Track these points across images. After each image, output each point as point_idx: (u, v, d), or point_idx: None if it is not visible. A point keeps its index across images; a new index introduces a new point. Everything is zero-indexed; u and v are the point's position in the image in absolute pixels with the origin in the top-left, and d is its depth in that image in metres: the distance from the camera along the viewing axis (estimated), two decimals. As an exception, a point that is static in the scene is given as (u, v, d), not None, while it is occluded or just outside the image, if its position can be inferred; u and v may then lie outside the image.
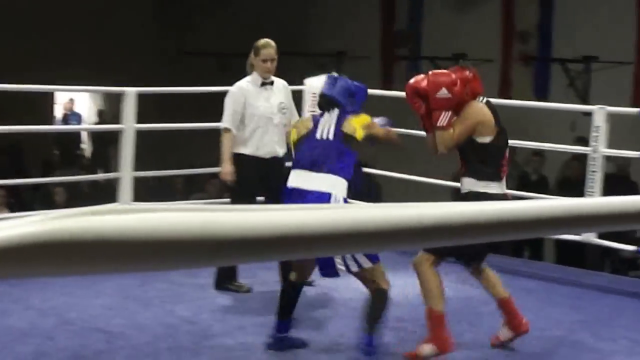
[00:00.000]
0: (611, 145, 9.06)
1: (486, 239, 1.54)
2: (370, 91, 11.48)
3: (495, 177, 6.44)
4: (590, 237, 9.11)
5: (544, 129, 13.44)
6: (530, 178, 14.70)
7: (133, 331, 6.73)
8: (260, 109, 7.95)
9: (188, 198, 13.18)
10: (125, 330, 6.73)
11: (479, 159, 6.45)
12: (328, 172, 6.36)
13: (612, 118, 9.04)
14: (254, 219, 1.19)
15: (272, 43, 8.03)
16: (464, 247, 6.42)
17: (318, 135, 6.54)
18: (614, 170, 12.93)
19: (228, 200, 8.80)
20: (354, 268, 6.35)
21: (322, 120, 6.61)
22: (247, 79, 8.08)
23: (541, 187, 13.15)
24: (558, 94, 16.55)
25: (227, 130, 7.95)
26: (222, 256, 1.18)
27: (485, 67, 17.51)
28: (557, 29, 17.09)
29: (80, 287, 7.63)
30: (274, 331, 6.50)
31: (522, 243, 13.50)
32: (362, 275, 6.42)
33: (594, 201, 1.64)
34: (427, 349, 6.37)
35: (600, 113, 9.02)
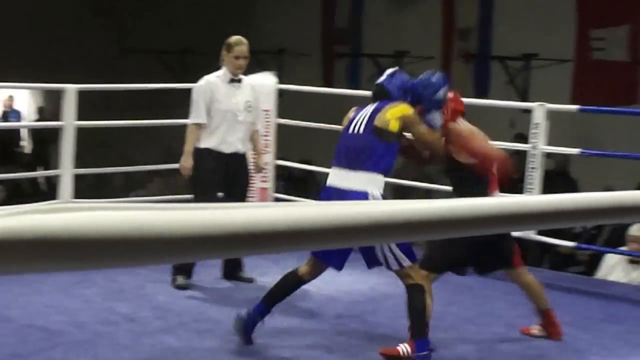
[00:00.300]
0: (550, 142, 9.13)
1: (430, 237, 1.54)
2: (310, 88, 11.61)
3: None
4: (529, 233, 9.18)
5: (484, 125, 13.48)
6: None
7: (73, 329, 6.67)
8: (227, 104, 7.94)
9: (128, 195, 13.12)
10: (64, 328, 6.67)
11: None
12: (362, 169, 6.32)
13: (552, 115, 9.11)
14: (192, 218, 1.18)
15: (245, 40, 8.02)
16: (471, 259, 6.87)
17: (351, 129, 6.49)
18: (553, 167, 13.03)
19: (171, 197, 9.08)
20: (394, 266, 6.34)
21: (361, 112, 6.55)
22: (217, 73, 8.06)
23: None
24: (498, 91, 16.67)
25: (194, 125, 7.96)
26: (162, 254, 1.17)
27: (426, 65, 17.54)
28: (497, 27, 17.19)
29: (20, 284, 7.56)
30: (252, 310, 6.49)
31: (464, 239, 13.57)
32: (402, 273, 6.39)
33: (536, 199, 1.65)
34: (405, 348, 6.38)
35: (539, 110, 9.09)
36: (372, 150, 6.34)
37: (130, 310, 7.19)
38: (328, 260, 6.62)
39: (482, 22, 17.42)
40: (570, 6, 16.00)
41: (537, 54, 16.49)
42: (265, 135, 9.72)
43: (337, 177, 6.43)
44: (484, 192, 6.52)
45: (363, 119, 6.45)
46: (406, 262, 6.29)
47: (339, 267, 6.61)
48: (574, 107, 9.95)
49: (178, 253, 1.20)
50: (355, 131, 6.45)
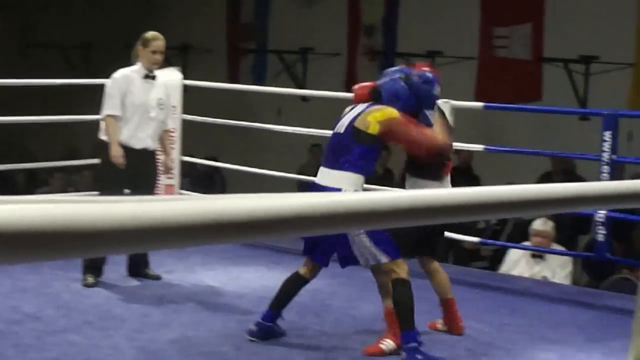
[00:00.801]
0: (455, 138, 9.22)
1: (334, 230, 1.56)
2: (216, 84, 11.60)
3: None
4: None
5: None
6: (377, 172, 14.87)
7: (-24, 328, 6.61)
8: (140, 99, 7.85)
9: (32, 193, 12.99)
10: (-34, 327, 6.62)
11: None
12: (338, 168, 6.40)
13: (457, 112, 9.20)
14: (109, 210, 1.18)
15: (161, 36, 7.98)
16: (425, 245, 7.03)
17: (336, 128, 6.61)
18: (457, 163, 13.16)
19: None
20: (372, 262, 6.47)
21: (349, 112, 6.65)
22: (132, 68, 7.96)
23: (387, 179, 13.33)
24: (403, 88, 16.76)
25: (111, 116, 7.79)
26: (78, 248, 1.17)
27: (332, 61, 17.68)
28: (402, 24, 17.29)
29: None
30: (261, 319, 6.65)
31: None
32: (379, 269, 6.52)
33: (444, 192, 1.67)
34: (388, 343, 6.55)
35: (445, 107, 9.17)
36: (348, 151, 6.42)
37: (35, 309, 7.12)
38: (313, 258, 6.78)
39: (387, 19, 17.50)
40: (475, 4, 16.14)
41: (441, 51, 16.61)
42: (173, 132, 9.70)
43: (320, 174, 6.56)
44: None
45: (346, 120, 6.55)
46: (384, 259, 6.39)
47: (324, 264, 6.77)
48: (478, 104, 10.05)
49: (94, 246, 1.19)
50: (338, 130, 6.57)
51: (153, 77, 7.97)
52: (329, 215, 1.47)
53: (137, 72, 7.93)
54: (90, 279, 7.82)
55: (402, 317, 6.37)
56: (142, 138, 7.86)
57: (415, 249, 7.09)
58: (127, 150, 7.76)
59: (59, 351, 6.21)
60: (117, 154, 7.71)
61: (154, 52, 7.86)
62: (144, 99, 7.86)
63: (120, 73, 7.95)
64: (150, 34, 7.95)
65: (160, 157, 8.32)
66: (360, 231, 6.32)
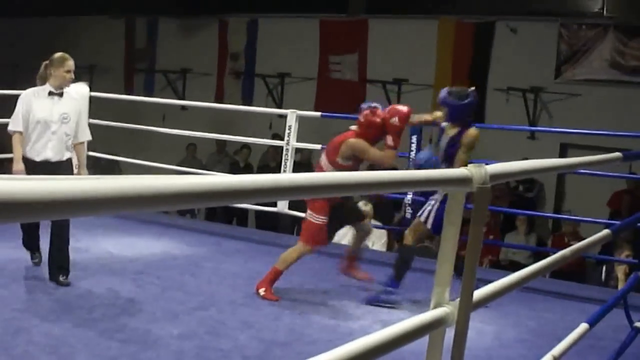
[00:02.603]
0: (299, 140, 9.32)
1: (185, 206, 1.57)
2: (115, 96, 11.49)
3: None
4: (284, 208, 9.35)
5: (249, 127, 13.63)
6: (239, 165, 14.91)
7: None
8: (41, 115, 6.83)
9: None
10: None
11: None
12: None
13: (301, 120, 9.31)
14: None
15: (70, 57, 7.09)
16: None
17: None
18: (300, 159, 13.28)
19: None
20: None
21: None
22: (39, 87, 6.97)
23: (248, 172, 13.36)
24: (260, 101, 16.82)
25: (14, 132, 6.87)
26: None
27: (205, 80, 17.62)
28: (259, 52, 17.32)
29: None
30: (387, 286, 6.75)
31: (232, 213, 13.69)
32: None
33: (284, 177, 1.72)
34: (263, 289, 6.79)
35: (292, 116, 9.27)
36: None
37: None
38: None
39: (248, 47, 17.52)
40: (315, 37, 16.29)
41: (290, 73, 16.71)
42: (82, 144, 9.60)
43: None
44: None
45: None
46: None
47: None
48: (317, 113, 10.16)
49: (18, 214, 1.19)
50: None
51: (60, 94, 6.94)
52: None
53: (42, 90, 6.92)
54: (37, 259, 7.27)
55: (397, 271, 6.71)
56: (40, 151, 6.85)
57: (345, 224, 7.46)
58: (28, 162, 6.85)
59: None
60: (17, 168, 6.87)
61: (68, 71, 6.94)
62: (45, 115, 6.84)
63: (25, 92, 7.03)
64: (63, 55, 7.05)
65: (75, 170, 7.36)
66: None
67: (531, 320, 6.73)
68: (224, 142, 15.13)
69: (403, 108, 6.77)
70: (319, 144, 9.61)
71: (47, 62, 6.95)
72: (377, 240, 10.09)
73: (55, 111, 6.89)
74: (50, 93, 6.88)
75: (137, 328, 5.69)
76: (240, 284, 7.15)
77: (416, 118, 7.09)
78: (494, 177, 2.37)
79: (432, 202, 6.69)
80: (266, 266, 7.60)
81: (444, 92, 6.68)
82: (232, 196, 1.58)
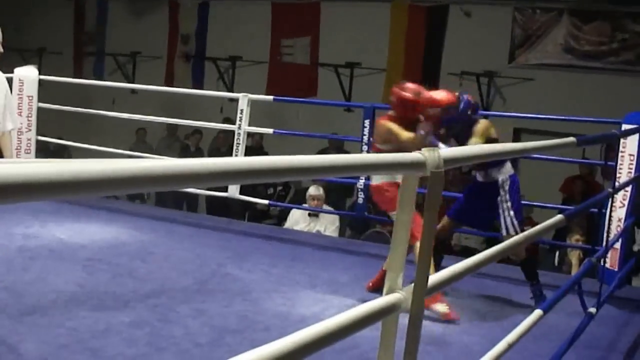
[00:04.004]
0: (251, 124, 9.30)
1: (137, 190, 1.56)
2: (65, 79, 11.37)
3: None
4: (235, 193, 9.34)
5: (200, 111, 13.57)
6: (190, 150, 14.86)
7: None
8: None
9: None
10: None
11: None
12: None
13: (252, 103, 9.28)
14: None
15: None
16: None
17: None
18: (252, 143, 13.26)
19: None
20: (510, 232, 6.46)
21: None
22: None
23: (198, 157, 13.30)
24: (211, 85, 16.77)
25: None
26: None
27: (155, 63, 17.51)
28: (210, 34, 17.26)
29: None
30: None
31: (182, 199, 13.64)
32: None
33: (235, 160, 1.72)
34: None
35: (243, 99, 9.24)
36: None
37: None
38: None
39: (199, 30, 17.44)
40: (267, 19, 16.26)
41: (241, 56, 16.67)
42: (29, 117, 9.49)
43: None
44: None
45: None
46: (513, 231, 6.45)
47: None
48: (269, 97, 10.13)
49: None
50: None
51: None
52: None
53: None
54: None
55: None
56: None
57: None
58: None
59: None
60: None
61: None
62: None
63: None
64: None
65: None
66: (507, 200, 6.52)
67: (484, 306, 6.78)
68: (175, 126, 15.07)
69: (441, 96, 6.57)
70: (271, 128, 9.61)
71: None
72: (330, 225, 10.12)
73: None
74: None
75: (88, 316, 5.66)
76: (192, 270, 7.12)
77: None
78: (448, 161, 2.38)
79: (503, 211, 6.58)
80: (217, 251, 7.59)
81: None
82: (184, 180, 1.57)
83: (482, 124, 6.55)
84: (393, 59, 14.78)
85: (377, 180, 6.43)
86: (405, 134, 6.26)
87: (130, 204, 12.28)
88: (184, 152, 14.67)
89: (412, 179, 2.33)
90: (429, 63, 14.50)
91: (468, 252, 9.86)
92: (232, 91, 16.08)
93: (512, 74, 13.94)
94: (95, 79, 16.42)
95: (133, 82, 17.18)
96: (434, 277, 2.58)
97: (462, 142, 6.30)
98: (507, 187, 6.53)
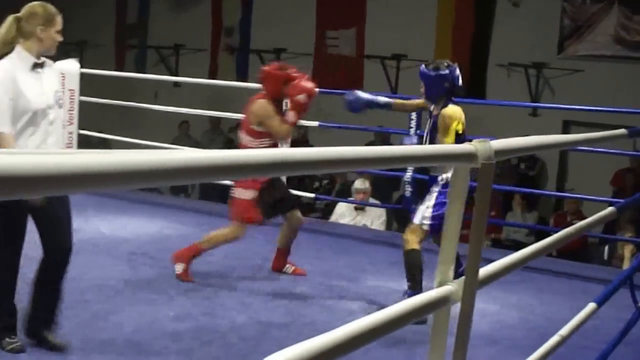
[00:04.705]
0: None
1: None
2: (107, 72, 11.46)
3: None
4: (280, 187, 9.35)
5: (244, 104, 13.59)
6: (234, 143, 14.90)
7: None
8: (34, 100, 4.62)
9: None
10: None
11: None
12: None
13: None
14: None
15: None
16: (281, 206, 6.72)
17: None
18: (297, 136, 13.28)
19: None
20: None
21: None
22: (14, 56, 4.65)
23: (242, 149, 13.36)
24: (255, 77, 16.74)
25: (2, 134, 4.54)
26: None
27: (199, 56, 17.57)
28: (254, 27, 17.28)
29: None
30: (409, 296, 5.63)
31: (225, 192, 13.66)
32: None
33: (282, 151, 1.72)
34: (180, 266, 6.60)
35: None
36: None
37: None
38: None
39: (243, 22, 17.48)
40: (312, 11, 16.24)
41: (285, 48, 16.67)
42: (71, 110, 9.55)
43: None
44: None
45: None
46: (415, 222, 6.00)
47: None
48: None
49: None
50: None
51: (42, 65, 4.77)
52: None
53: (22, 62, 4.67)
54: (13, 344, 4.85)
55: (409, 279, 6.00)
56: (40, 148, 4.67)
57: (278, 209, 6.82)
58: None
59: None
60: None
61: (59, 31, 4.84)
62: (38, 99, 4.66)
63: (2, 69, 4.61)
64: (47, 6, 4.87)
65: None
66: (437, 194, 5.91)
67: (534, 300, 6.75)
68: (219, 119, 15.11)
69: (310, 85, 6.57)
70: (315, 120, 9.61)
71: (18, 15, 4.74)
72: (376, 219, 10.10)
73: (48, 89, 4.78)
74: (35, 65, 4.72)
75: (132, 310, 5.71)
76: (237, 263, 7.16)
77: (399, 102, 6.75)
78: (499, 152, 2.37)
79: (426, 202, 6.03)
80: (263, 246, 7.62)
81: (422, 66, 6.14)
82: (229, 171, 1.58)
83: (447, 115, 5.91)
84: (440, 51, 14.69)
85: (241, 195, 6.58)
86: (279, 126, 6.49)
87: (174, 197, 12.36)
88: (228, 146, 14.72)
89: (463, 171, 2.33)
90: (477, 54, 14.41)
91: (517, 246, 9.81)
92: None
93: (561, 66, 13.81)
94: (137, 72, 16.53)
95: (176, 75, 17.26)
96: (484, 270, 2.57)
97: (429, 133, 6.10)
98: (439, 189, 5.97)
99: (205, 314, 5.75)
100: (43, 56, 4.79)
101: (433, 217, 5.89)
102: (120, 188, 1.34)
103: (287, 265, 7.05)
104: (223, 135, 15.69)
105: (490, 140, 2.39)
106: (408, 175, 8.73)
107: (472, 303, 2.37)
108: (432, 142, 6.04)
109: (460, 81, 6.10)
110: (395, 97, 6.60)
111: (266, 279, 6.81)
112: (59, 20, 4.82)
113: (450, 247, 2.33)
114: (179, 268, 6.58)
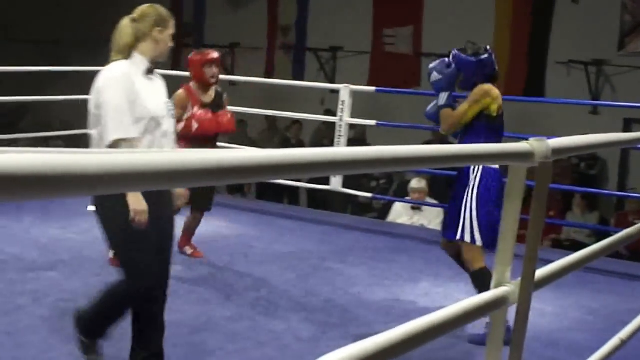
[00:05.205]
0: (352, 115, 9.31)
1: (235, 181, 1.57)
2: (162, 71, 11.53)
3: None
4: (337, 186, 9.35)
5: (301, 103, 13.64)
6: (291, 142, 14.94)
7: (-30, 267, 6.53)
8: (151, 106, 4.34)
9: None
10: (-37, 267, 6.54)
11: None
12: None
13: (354, 95, 9.29)
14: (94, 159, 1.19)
15: None
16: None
17: None
18: (354, 135, 13.27)
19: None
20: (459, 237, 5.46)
21: None
22: (128, 61, 4.41)
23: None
24: (311, 76, 16.82)
25: (126, 140, 4.19)
26: (74, 189, 1.18)
27: (255, 54, 17.63)
28: (311, 24, 17.31)
29: None
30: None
31: (283, 192, 13.72)
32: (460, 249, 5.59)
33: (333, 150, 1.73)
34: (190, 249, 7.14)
35: (345, 91, 9.26)
36: None
37: (18, 251, 7.07)
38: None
39: (299, 21, 17.51)
40: (369, 8, 16.23)
41: (342, 47, 16.68)
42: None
43: None
44: None
45: None
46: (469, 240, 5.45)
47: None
48: (371, 88, 10.14)
49: (89, 187, 1.20)
50: None
51: (153, 72, 4.53)
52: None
53: (136, 66, 4.41)
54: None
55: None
56: None
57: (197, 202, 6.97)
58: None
59: (38, 285, 6.18)
60: (139, 207, 4.19)
61: (172, 35, 4.61)
62: (155, 106, 4.39)
63: (120, 72, 4.33)
64: (165, 10, 4.62)
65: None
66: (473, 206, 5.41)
67: (594, 302, 6.68)
68: (275, 118, 15.15)
69: (205, 118, 7.07)
70: (373, 119, 9.60)
71: (134, 16, 4.52)
72: (434, 218, 10.06)
73: (161, 98, 4.53)
74: (149, 71, 4.49)
75: (188, 310, 5.75)
76: (293, 264, 7.18)
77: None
78: (557, 151, 2.36)
79: (464, 216, 5.47)
80: (319, 245, 7.64)
81: (455, 50, 5.81)
82: (285, 170, 1.59)
83: (482, 88, 5.57)
84: (498, 48, 14.59)
85: None
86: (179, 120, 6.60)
87: (231, 197, 12.42)
88: (285, 145, 14.76)
89: (520, 170, 2.31)
90: (536, 52, 14.30)
91: (577, 247, 9.71)
92: (333, 82, 16.10)
93: (622, 62, 13.65)
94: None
95: (232, 74, 17.34)
96: (541, 272, 2.55)
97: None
98: (477, 181, 5.51)
99: (260, 315, 5.77)
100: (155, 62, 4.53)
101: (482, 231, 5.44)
102: (180, 186, 1.35)
103: (187, 247, 7.34)
104: (280, 134, 15.74)
105: (549, 139, 2.38)
106: (466, 174, 8.69)
107: (528, 304, 2.36)
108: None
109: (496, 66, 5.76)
110: (456, 96, 6.10)
111: (322, 279, 6.82)
112: (172, 23, 4.60)
113: (507, 248, 2.32)
114: (189, 250, 7.21)
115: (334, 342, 5.24)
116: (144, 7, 4.53)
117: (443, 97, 5.70)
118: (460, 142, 5.59)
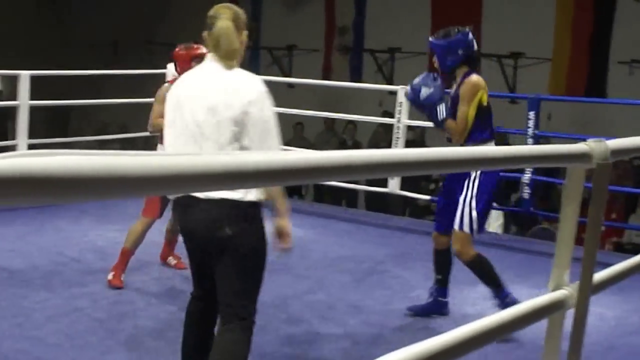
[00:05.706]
0: (411, 117, 9.30)
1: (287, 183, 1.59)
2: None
3: None
4: (395, 189, 9.36)
5: (359, 105, 13.66)
6: (347, 144, 14.96)
7: (30, 269, 6.64)
8: None
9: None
10: (23, 268, 6.65)
11: None
12: None
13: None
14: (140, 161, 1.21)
15: None
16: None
17: None
18: (412, 137, 13.24)
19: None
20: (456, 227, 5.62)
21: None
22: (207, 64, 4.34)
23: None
24: (369, 77, 16.82)
25: None
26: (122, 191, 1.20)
27: (312, 56, 17.68)
28: (368, 25, 17.31)
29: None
30: (498, 298, 5.70)
31: (341, 194, 13.74)
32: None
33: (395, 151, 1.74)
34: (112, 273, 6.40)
35: (403, 92, 9.25)
36: None
37: (76, 254, 7.17)
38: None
39: (356, 22, 17.52)
40: (427, 9, 16.19)
41: (400, 47, 16.66)
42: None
43: None
44: None
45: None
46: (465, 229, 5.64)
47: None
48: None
49: (134, 190, 1.22)
50: None
51: None
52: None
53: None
54: None
55: (488, 284, 5.79)
56: None
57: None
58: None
59: (96, 287, 6.27)
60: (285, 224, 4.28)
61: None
62: None
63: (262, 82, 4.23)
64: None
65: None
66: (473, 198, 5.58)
67: (656, 306, 6.61)
68: (333, 120, 15.16)
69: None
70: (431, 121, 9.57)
71: (232, 18, 4.31)
72: (493, 221, 10.02)
73: None
74: None
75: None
76: (350, 267, 7.19)
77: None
78: (616, 152, 2.35)
79: (461, 206, 5.64)
80: (376, 248, 7.64)
81: (430, 37, 5.78)
82: (342, 172, 1.61)
83: (471, 82, 5.62)
84: (559, 48, 14.51)
85: None
86: (155, 113, 6.37)
87: (288, 200, 12.45)
88: (342, 147, 14.78)
89: (578, 172, 2.31)
90: (597, 51, 14.16)
91: (638, 250, 9.61)
92: (391, 84, 16.08)
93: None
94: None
95: (289, 76, 17.40)
96: (599, 275, 2.54)
97: (450, 109, 5.75)
98: (475, 180, 5.66)
99: (318, 318, 5.80)
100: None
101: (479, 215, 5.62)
102: (237, 188, 1.38)
103: (170, 258, 6.99)
104: (337, 136, 15.76)
105: (608, 140, 2.37)
106: (527, 177, 8.64)
107: (586, 308, 2.35)
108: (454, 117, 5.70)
109: (476, 46, 5.69)
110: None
111: (379, 282, 6.82)
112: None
113: (565, 250, 2.32)
114: (110, 276, 6.41)
115: (392, 346, 5.23)
116: (235, 8, 4.34)
117: (441, 109, 5.75)
118: (466, 139, 5.72)
